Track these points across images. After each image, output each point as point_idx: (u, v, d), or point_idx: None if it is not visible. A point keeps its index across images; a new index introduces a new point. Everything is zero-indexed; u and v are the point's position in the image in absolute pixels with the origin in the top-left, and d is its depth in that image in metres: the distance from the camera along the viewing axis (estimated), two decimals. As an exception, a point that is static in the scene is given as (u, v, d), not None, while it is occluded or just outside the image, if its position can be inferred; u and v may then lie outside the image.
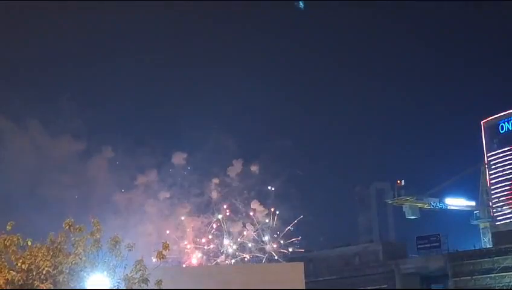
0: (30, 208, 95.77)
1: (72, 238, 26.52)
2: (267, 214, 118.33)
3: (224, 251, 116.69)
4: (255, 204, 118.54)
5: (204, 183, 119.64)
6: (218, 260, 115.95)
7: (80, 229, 26.64)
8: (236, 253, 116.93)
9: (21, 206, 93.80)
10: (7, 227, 26.00)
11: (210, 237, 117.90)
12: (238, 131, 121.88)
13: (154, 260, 29.63)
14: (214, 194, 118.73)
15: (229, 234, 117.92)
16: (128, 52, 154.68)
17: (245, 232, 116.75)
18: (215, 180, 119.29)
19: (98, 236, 27.01)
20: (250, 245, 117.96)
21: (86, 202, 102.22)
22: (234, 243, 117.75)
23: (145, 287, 27.61)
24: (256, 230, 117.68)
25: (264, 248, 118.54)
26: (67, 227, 26.42)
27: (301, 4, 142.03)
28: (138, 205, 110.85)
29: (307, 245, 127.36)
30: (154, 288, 27.88)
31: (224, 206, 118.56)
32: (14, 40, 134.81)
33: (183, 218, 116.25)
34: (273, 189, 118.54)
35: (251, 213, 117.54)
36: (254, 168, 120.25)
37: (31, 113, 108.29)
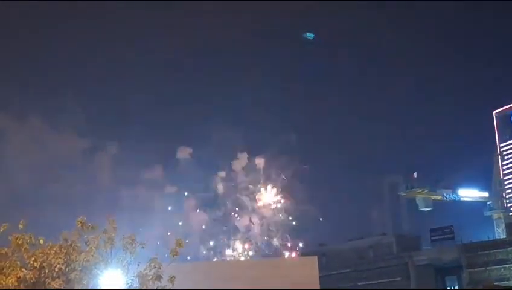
0: (36, 205, 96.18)
1: (85, 236, 26.54)
2: (273, 209, 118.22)
3: (232, 246, 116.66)
4: (261, 197, 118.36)
5: (210, 177, 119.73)
6: (226, 255, 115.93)
7: (92, 227, 26.65)
8: (246, 247, 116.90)
9: (27, 204, 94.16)
10: (19, 226, 26.00)
11: (217, 231, 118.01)
12: (243, 125, 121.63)
13: (165, 255, 29.57)
14: (220, 188, 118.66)
15: (236, 228, 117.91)
16: (132, 48, 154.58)
17: (253, 226, 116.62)
18: (221, 174, 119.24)
19: (113, 234, 27.03)
20: (257, 240, 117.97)
21: (92, 198, 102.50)
22: (241, 237, 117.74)
23: (159, 284, 27.62)
24: (263, 224, 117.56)
25: (271, 242, 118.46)
26: (79, 225, 26.45)
27: (309, 35, 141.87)
28: (144, 201, 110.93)
29: (320, 239, 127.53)
30: (166, 287, 27.87)
31: (230, 201, 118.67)
32: (17, 38, 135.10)
33: (189, 213, 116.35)
34: (284, 178, 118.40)
35: (257, 207, 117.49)
36: (259, 161, 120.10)
37: (35, 110, 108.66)
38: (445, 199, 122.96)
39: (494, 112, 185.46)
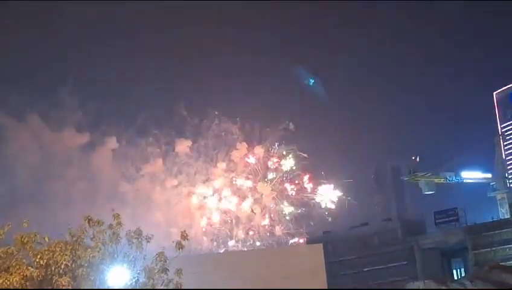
0: (37, 203, 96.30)
1: (91, 232, 26.61)
2: (273, 197, 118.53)
3: (234, 236, 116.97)
4: (262, 187, 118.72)
5: (209, 169, 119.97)
6: (229, 245, 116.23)
7: (98, 223, 26.73)
8: (249, 236, 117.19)
9: (28, 202, 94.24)
10: (24, 224, 26.04)
11: (219, 222, 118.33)
12: (242, 116, 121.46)
13: (168, 248, 29.65)
14: (221, 180, 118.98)
15: (238, 219, 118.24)
16: (129, 42, 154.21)
17: (255, 215, 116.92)
18: (221, 165, 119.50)
19: (118, 230, 27.11)
20: (259, 230, 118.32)
21: (92, 194, 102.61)
22: (243, 228, 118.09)
23: (165, 277, 27.72)
24: (264, 214, 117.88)
25: (273, 231, 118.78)
26: (86, 221, 26.53)
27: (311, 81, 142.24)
28: (145, 195, 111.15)
29: (323, 227, 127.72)
30: (174, 280, 27.93)
31: (231, 191, 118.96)
32: (12, 35, 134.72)
33: (191, 205, 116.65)
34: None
35: (258, 196, 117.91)
36: (259, 150, 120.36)
37: (32, 107, 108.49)
38: (448, 181, 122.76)
39: (495, 93, 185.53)
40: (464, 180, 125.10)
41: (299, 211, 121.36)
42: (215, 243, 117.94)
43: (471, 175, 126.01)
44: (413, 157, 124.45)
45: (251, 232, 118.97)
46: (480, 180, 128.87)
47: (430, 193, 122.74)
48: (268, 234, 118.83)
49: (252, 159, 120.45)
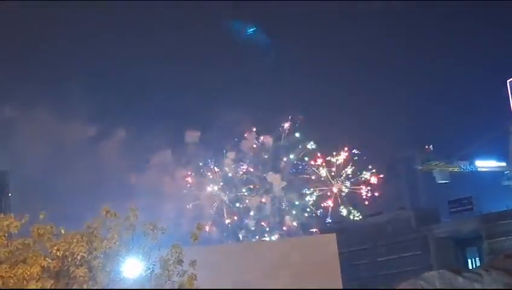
0: (48, 195, 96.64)
1: (107, 224, 26.83)
2: (283, 188, 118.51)
3: (244, 227, 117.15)
4: (271, 177, 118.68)
5: (219, 159, 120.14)
6: (240, 236, 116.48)
7: (115, 215, 26.95)
8: (263, 225, 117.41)
9: (39, 194, 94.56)
10: (40, 216, 26.30)
11: (229, 212, 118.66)
12: (251, 106, 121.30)
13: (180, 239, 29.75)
14: (230, 169, 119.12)
15: (247, 209, 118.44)
16: (137, 31, 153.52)
17: (265, 205, 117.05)
18: (231, 155, 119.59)
19: (134, 222, 27.32)
20: (270, 220, 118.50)
21: (102, 185, 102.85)
22: (254, 218, 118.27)
23: (180, 268, 27.86)
24: (274, 204, 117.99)
25: (283, 221, 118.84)
26: (104, 213, 26.76)
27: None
28: (154, 186, 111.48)
29: (335, 217, 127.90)
30: (188, 271, 28.04)
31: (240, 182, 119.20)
32: (21, 25, 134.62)
33: (200, 195, 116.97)
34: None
35: (268, 186, 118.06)
36: (267, 139, 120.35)
37: (41, 99, 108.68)
38: (462, 170, 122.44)
39: (508, 81, 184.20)
40: (478, 169, 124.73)
41: (313, 197, 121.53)
42: (224, 234, 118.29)
43: (485, 164, 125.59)
44: (427, 146, 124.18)
45: (263, 223, 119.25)
46: (495, 169, 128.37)
47: (444, 182, 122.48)
48: (279, 224, 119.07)
49: (260, 148, 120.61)
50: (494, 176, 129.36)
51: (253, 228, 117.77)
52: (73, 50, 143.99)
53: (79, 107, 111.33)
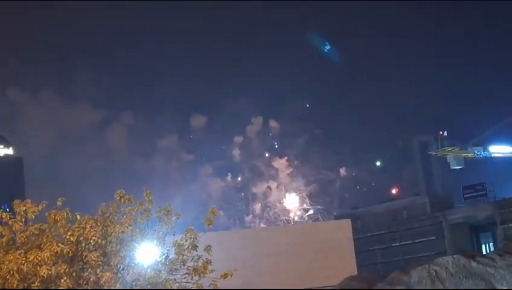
0: (55, 180, 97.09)
1: (122, 209, 26.91)
2: (288, 174, 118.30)
3: (251, 213, 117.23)
4: (278, 163, 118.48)
5: (225, 145, 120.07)
6: (246, 221, 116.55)
7: (129, 200, 27.01)
8: (266, 212, 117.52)
9: (46, 180, 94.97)
10: (58, 203, 26.45)
11: (235, 198, 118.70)
12: (257, 91, 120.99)
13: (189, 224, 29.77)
14: (236, 155, 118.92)
15: (254, 195, 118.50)
16: (144, 17, 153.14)
17: (271, 192, 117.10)
18: (238, 140, 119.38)
19: (150, 207, 27.37)
20: (275, 207, 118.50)
21: (108, 169, 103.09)
22: (260, 204, 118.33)
23: (195, 253, 27.92)
24: (281, 191, 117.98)
25: (289, 209, 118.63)
26: (118, 198, 26.83)
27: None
28: (161, 171, 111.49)
29: (350, 203, 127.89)
30: (204, 256, 28.10)
31: (247, 167, 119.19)
32: (27, 9, 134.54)
33: (207, 180, 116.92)
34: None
35: (274, 172, 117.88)
36: (274, 124, 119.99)
37: (47, 83, 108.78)
38: (476, 156, 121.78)
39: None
40: (492, 155, 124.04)
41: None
42: (231, 219, 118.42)
43: (499, 149, 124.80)
44: (441, 132, 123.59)
45: (268, 209, 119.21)
46: (509, 155, 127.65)
47: (459, 167, 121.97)
48: (285, 210, 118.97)
49: (267, 134, 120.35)
50: (509, 162, 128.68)
51: (259, 212, 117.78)
52: (78, 33, 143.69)
53: (89, 92, 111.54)
